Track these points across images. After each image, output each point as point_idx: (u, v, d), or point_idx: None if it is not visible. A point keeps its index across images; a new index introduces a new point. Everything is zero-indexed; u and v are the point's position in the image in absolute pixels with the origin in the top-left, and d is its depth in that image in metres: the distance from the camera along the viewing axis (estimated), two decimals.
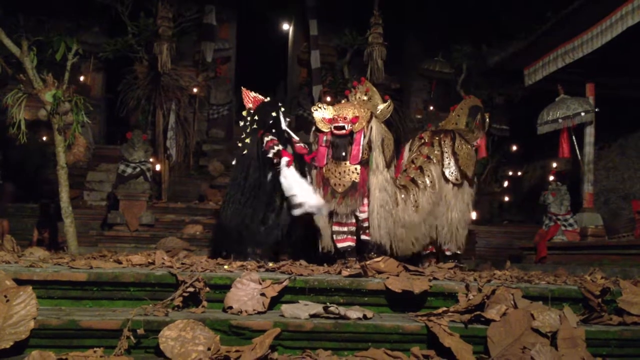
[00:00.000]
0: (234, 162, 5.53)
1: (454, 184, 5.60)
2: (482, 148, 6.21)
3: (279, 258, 5.12)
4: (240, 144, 5.39)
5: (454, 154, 5.64)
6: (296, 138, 5.44)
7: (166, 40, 9.72)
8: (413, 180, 5.51)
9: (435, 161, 5.62)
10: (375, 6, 10.34)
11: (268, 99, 5.64)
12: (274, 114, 5.37)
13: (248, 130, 5.36)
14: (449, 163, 5.62)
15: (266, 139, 5.20)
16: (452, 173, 5.60)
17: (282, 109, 5.45)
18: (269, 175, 5.19)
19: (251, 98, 5.58)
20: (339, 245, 5.04)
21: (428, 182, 5.52)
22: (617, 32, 6.71)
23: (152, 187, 9.32)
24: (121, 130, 10.45)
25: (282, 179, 5.08)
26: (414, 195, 5.41)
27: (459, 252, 5.74)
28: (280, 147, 5.16)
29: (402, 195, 5.35)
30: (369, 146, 4.98)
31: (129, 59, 11.13)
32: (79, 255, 4.65)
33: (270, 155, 5.09)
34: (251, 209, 5.12)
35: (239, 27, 12.73)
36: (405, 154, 5.93)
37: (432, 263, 5.50)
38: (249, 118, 5.45)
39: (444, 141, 5.71)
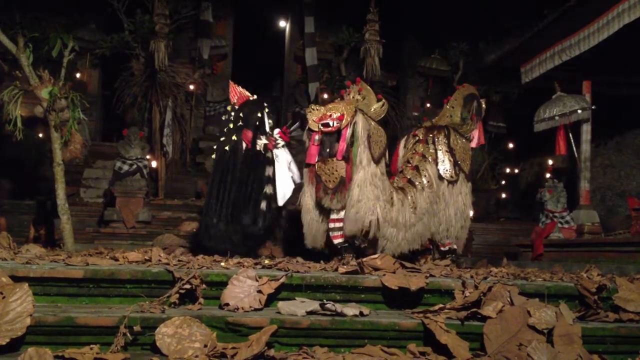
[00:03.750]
0: (213, 157, 5.56)
1: (449, 182, 5.60)
2: (481, 135, 6.18)
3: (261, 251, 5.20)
4: (223, 139, 5.40)
5: (450, 149, 5.63)
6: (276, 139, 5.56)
7: (163, 37, 9.69)
8: (410, 182, 5.50)
9: (430, 160, 5.61)
10: (372, 3, 10.32)
11: (254, 97, 5.64)
12: (259, 114, 5.40)
13: (231, 127, 5.38)
14: (443, 160, 5.62)
15: (261, 141, 5.27)
16: (447, 170, 5.60)
17: (267, 110, 5.48)
18: (259, 171, 5.24)
19: (237, 92, 5.59)
20: (335, 241, 5.06)
21: (425, 181, 5.52)
22: (613, 29, 6.69)
23: (148, 184, 9.27)
24: (117, 127, 10.41)
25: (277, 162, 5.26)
26: (411, 196, 5.39)
27: (455, 247, 5.73)
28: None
29: (400, 196, 5.33)
30: (352, 141, 5.02)
31: (125, 56, 11.08)
32: (75, 252, 4.64)
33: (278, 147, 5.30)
34: (237, 206, 5.16)
35: (235, 24, 12.71)
36: (400, 150, 5.93)
37: (428, 260, 5.50)
38: (233, 113, 5.46)
39: (438, 138, 5.69)
